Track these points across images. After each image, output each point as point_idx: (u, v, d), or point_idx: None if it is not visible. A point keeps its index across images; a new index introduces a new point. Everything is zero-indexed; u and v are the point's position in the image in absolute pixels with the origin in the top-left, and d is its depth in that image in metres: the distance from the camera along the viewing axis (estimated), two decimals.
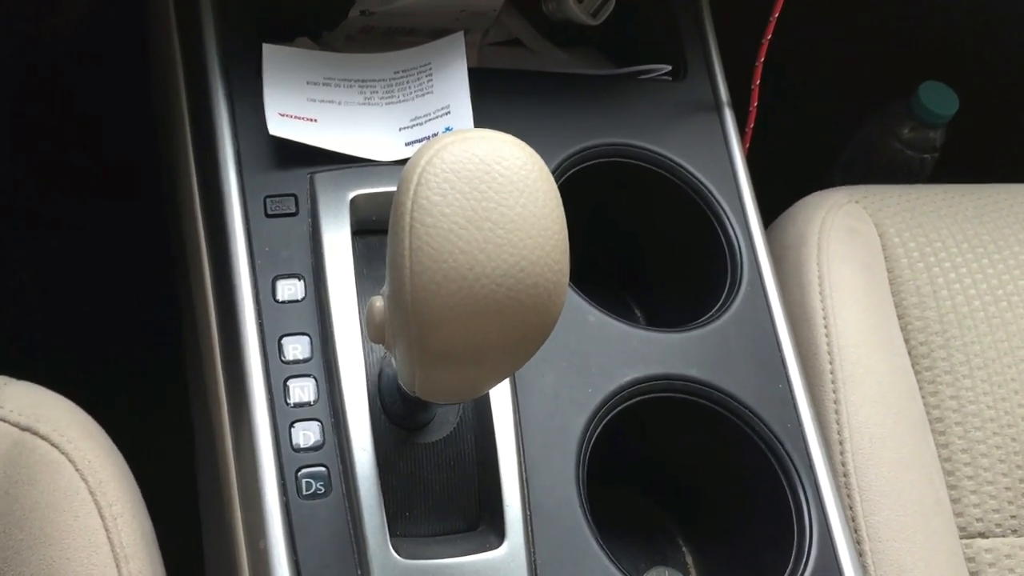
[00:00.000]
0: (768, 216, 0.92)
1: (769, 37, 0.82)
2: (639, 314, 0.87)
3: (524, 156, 0.49)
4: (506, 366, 0.53)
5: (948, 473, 0.82)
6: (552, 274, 0.48)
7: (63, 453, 0.63)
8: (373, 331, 0.54)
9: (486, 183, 0.48)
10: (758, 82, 0.83)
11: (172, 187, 0.86)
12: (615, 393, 0.70)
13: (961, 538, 0.80)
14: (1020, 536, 0.82)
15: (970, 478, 0.82)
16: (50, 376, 0.73)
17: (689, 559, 0.78)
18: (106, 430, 0.69)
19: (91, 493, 0.62)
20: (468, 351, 0.50)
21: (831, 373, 0.80)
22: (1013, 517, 0.82)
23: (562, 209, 0.50)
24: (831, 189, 0.93)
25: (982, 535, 0.81)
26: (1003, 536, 0.81)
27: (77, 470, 0.63)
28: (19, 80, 1.10)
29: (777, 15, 0.81)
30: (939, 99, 1.20)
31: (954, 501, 0.81)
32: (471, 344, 0.49)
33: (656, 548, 0.78)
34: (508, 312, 0.48)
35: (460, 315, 0.48)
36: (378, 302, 0.54)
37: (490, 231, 0.47)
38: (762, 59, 0.83)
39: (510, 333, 0.49)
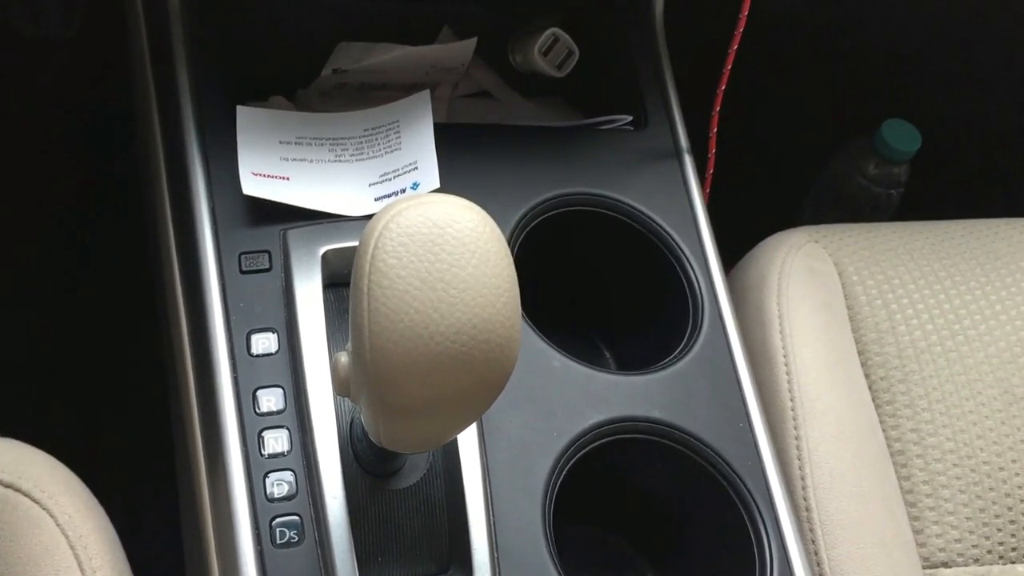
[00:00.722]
0: (737, 257, 0.95)
1: (723, 87, 0.85)
2: (609, 356, 0.89)
3: (476, 219, 0.52)
4: (465, 417, 0.55)
5: (910, 504, 0.84)
6: (504, 330, 0.51)
7: (44, 509, 0.65)
8: (339, 385, 0.57)
9: (439, 246, 0.50)
10: (715, 130, 0.86)
11: (153, 244, 0.88)
12: (580, 436, 0.73)
13: (924, 568, 0.82)
14: (982, 565, 0.84)
15: (932, 509, 0.84)
16: (33, 429, 0.74)
17: None
18: (90, 484, 0.71)
19: (71, 548, 0.64)
20: (427, 405, 0.52)
21: (792, 410, 0.82)
22: (975, 547, 0.84)
23: (512, 268, 0.52)
24: (792, 230, 0.95)
25: (945, 565, 0.83)
26: (965, 565, 0.83)
27: (58, 525, 0.64)
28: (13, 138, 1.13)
29: (730, 67, 0.84)
30: (902, 136, 1.24)
31: (917, 532, 0.83)
32: (429, 398, 0.52)
33: None
34: (463, 367, 0.51)
35: (417, 371, 0.50)
36: (343, 358, 0.56)
37: (443, 291, 0.50)
38: (717, 108, 0.86)
39: (466, 386, 0.52)
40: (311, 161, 0.78)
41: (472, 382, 0.52)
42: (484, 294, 0.50)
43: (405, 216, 0.51)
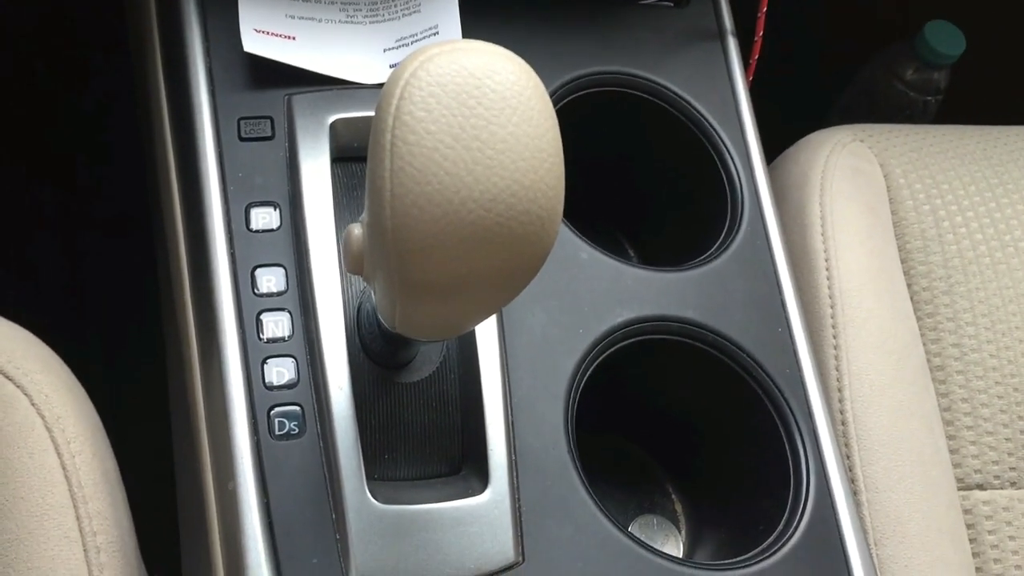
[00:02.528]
0: (770, 154, 0.89)
1: None
2: (632, 253, 0.83)
3: (518, 71, 0.45)
4: (493, 301, 0.49)
5: (948, 423, 0.79)
6: (546, 200, 0.44)
7: (19, 387, 0.59)
8: (350, 261, 0.51)
9: (476, 99, 0.43)
10: (764, 10, 0.79)
11: (144, 112, 0.81)
12: (607, 334, 0.67)
13: (959, 489, 0.78)
14: (1018, 488, 0.79)
15: (970, 428, 0.79)
16: (12, 307, 0.69)
17: (679, 508, 0.75)
18: (75, 367, 0.65)
19: (48, 429, 0.58)
20: (452, 283, 0.46)
21: (832, 318, 0.77)
22: (1012, 469, 0.79)
23: (558, 131, 0.45)
24: (835, 127, 0.89)
25: (980, 487, 0.79)
26: (1001, 488, 0.79)
27: (33, 404, 0.59)
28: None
29: None
30: (945, 39, 1.16)
31: (953, 452, 0.79)
32: (455, 275, 0.45)
33: (645, 496, 0.75)
34: (497, 241, 0.44)
35: (444, 243, 0.44)
36: (356, 230, 0.50)
37: (479, 151, 0.43)
38: None
39: (498, 264, 0.45)
40: (320, 20, 0.71)
41: (506, 259, 0.45)
42: (526, 157, 0.44)
43: (436, 63, 0.44)
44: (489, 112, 0.43)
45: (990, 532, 0.78)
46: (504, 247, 0.45)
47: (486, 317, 0.52)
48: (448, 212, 0.43)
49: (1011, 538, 0.78)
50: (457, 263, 0.45)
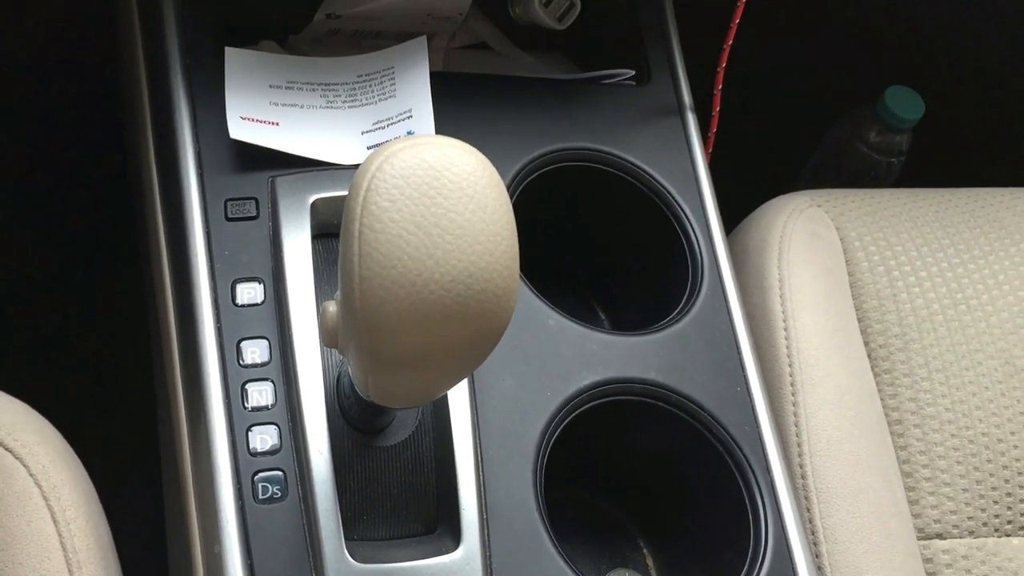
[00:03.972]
0: (734, 219, 0.93)
1: (731, 43, 0.82)
2: (604, 317, 0.87)
3: (474, 162, 0.49)
4: (457, 371, 0.53)
5: (906, 475, 0.82)
6: (501, 279, 0.49)
7: (17, 458, 0.63)
8: (327, 336, 0.55)
9: (435, 189, 0.48)
10: (720, 87, 0.84)
11: (136, 191, 0.86)
12: (574, 396, 0.71)
13: (919, 539, 0.81)
14: (977, 537, 0.82)
15: (928, 479, 0.83)
16: (11, 379, 0.72)
17: (650, 560, 0.78)
18: (67, 436, 0.69)
19: (44, 498, 0.62)
20: (418, 356, 0.50)
21: (790, 376, 0.80)
22: (970, 519, 0.83)
23: (512, 216, 0.50)
24: (794, 193, 0.93)
25: (940, 536, 0.82)
26: (960, 537, 0.82)
27: (31, 475, 0.62)
28: None
29: (738, 20, 0.81)
30: (905, 103, 1.21)
31: (912, 503, 0.82)
32: (421, 349, 0.49)
33: (616, 549, 0.78)
34: (457, 318, 0.48)
35: (409, 321, 0.48)
36: (331, 307, 0.54)
37: (439, 237, 0.47)
38: (724, 64, 0.83)
39: (460, 338, 0.49)
40: (302, 107, 0.76)
41: (466, 334, 0.49)
42: (482, 241, 0.48)
43: (400, 157, 0.48)
44: (448, 201, 0.48)
45: None
46: (464, 323, 0.49)
47: (453, 385, 0.56)
48: (412, 293, 0.48)
49: None
50: (422, 339, 0.49)
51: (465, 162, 0.49)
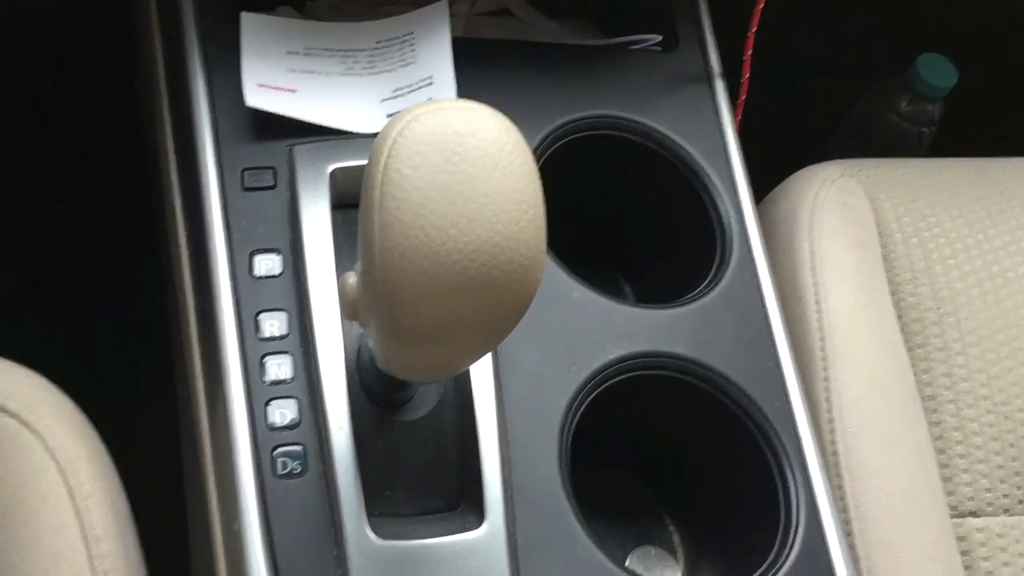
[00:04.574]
0: (762, 190, 0.91)
1: (761, 6, 0.80)
2: (628, 290, 0.85)
3: (499, 128, 0.47)
4: (481, 344, 0.51)
5: (940, 451, 0.81)
6: (527, 250, 0.47)
7: (33, 432, 0.62)
8: (347, 308, 0.53)
9: (459, 155, 0.46)
10: (750, 52, 0.81)
11: (152, 162, 0.84)
12: (600, 371, 0.69)
13: (952, 517, 0.79)
14: (1012, 515, 0.81)
15: (962, 456, 0.81)
16: (29, 353, 0.71)
17: (676, 538, 0.77)
18: (92, 411, 0.68)
19: (61, 473, 0.61)
20: (441, 329, 0.48)
21: (821, 350, 0.78)
22: (1005, 496, 0.81)
23: (539, 184, 0.48)
24: (825, 163, 0.91)
25: (973, 514, 0.80)
26: (994, 515, 0.80)
27: (47, 449, 0.61)
28: (11, 61, 1.09)
29: None
30: (937, 71, 1.18)
31: (946, 480, 0.80)
32: (444, 322, 0.48)
33: (642, 527, 0.77)
34: (482, 289, 0.47)
35: (432, 292, 0.46)
36: (351, 278, 0.52)
37: (463, 205, 0.46)
38: (754, 29, 0.81)
39: (484, 311, 0.48)
40: (320, 73, 0.74)
41: (491, 306, 0.47)
42: (507, 210, 0.46)
43: (422, 122, 0.46)
44: (472, 168, 0.46)
45: (985, 559, 0.79)
46: (489, 295, 0.47)
47: (476, 359, 0.55)
48: (435, 263, 0.46)
49: (1005, 564, 0.79)
50: (445, 311, 0.47)
51: (491, 127, 0.47)
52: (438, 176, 0.46)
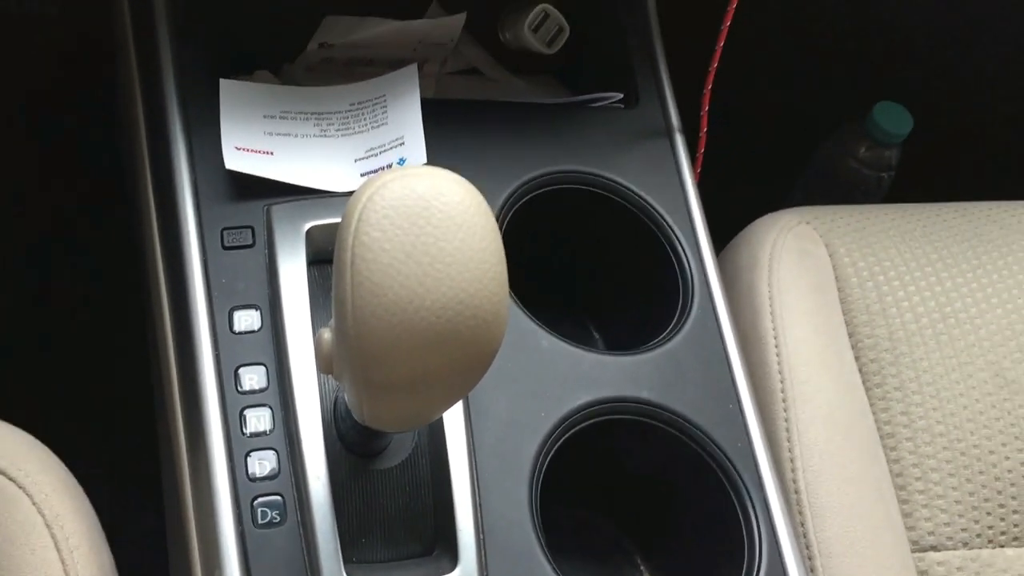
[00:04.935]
0: (728, 236, 0.94)
1: (715, 66, 0.84)
2: (598, 337, 0.88)
3: (463, 192, 0.50)
4: (450, 395, 0.54)
5: (900, 488, 0.83)
6: (491, 305, 0.50)
7: (20, 487, 0.64)
8: (322, 362, 0.56)
9: (425, 219, 0.49)
10: (707, 108, 0.85)
11: (135, 222, 0.87)
12: (568, 416, 0.72)
13: (913, 552, 0.82)
14: (971, 549, 0.83)
15: (921, 492, 0.83)
16: (13, 409, 0.73)
17: None
18: (71, 465, 0.70)
19: (48, 527, 0.63)
20: (411, 381, 0.51)
21: (782, 392, 0.81)
22: (964, 530, 0.83)
23: (500, 243, 0.51)
24: (783, 211, 0.95)
25: (934, 548, 0.83)
26: (954, 549, 0.83)
27: (34, 504, 0.63)
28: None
29: (722, 44, 0.83)
30: (893, 119, 1.23)
31: (906, 515, 0.83)
32: (413, 375, 0.50)
33: (614, 566, 0.79)
34: (448, 343, 0.49)
35: (401, 347, 0.49)
36: (326, 334, 0.55)
37: (429, 265, 0.49)
38: (709, 86, 0.85)
39: (451, 363, 0.50)
40: (296, 136, 0.77)
41: (458, 359, 0.50)
42: (471, 268, 0.49)
43: (390, 188, 0.50)
44: (437, 230, 0.49)
45: None
46: (455, 348, 0.50)
47: (446, 409, 0.57)
48: (403, 320, 0.49)
49: None
50: (414, 364, 0.50)
51: (454, 192, 0.50)
52: (405, 238, 0.49)
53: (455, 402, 0.57)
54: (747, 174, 1.22)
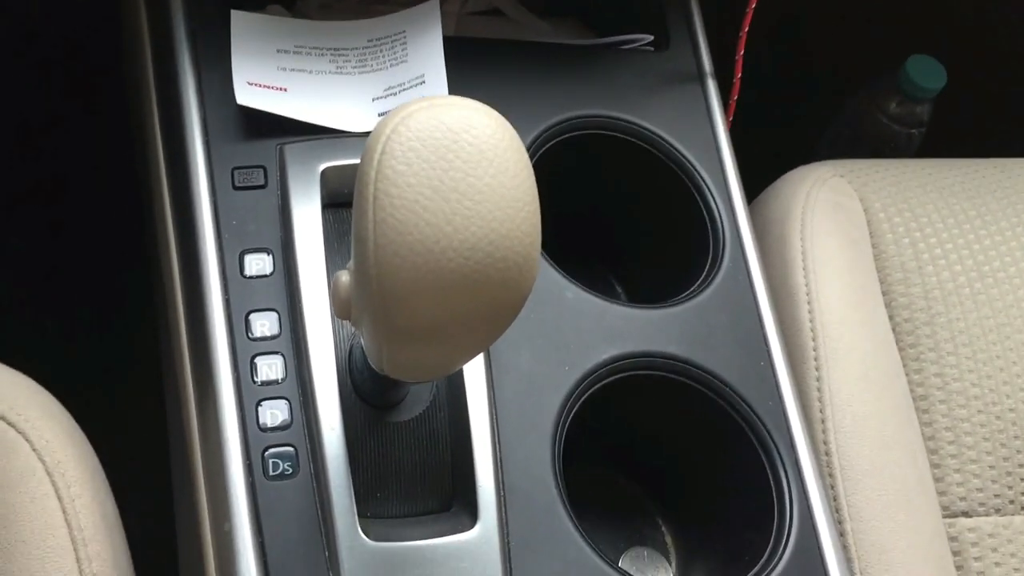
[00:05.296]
0: (754, 190, 0.91)
1: (754, 5, 0.80)
2: (620, 291, 0.85)
3: (494, 125, 0.47)
4: (476, 343, 0.51)
5: (932, 452, 0.81)
6: (523, 248, 0.46)
7: (20, 433, 0.61)
8: (339, 307, 0.53)
9: (453, 152, 0.46)
10: (742, 52, 0.81)
11: (141, 161, 0.84)
12: (592, 371, 0.69)
13: (945, 517, 0.79)
14: (1003, 515, 0.81)
15: (953, 456, 0.81)
16: (17, 354, 0.71)
17: (668, 539, 0.77)
18: (78, 413, 0.67)
19: (48, 474, 0.60)
20: (435, 327, 0.48)
21: (814, 350, 0.78)
22: (996, 496, 0.81)
23: (533, 181, 0.48)
24: (816, 163, 0.91)
25: (965, 514, 0.80)
26: (986, 515, 0.80)
27: (34, 450, 0.61)
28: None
29: None
30: (926, 73, 1.19)
31: (938, 480, 0.80)
32: (438, 320, 0.47)
33: (635, 528, 0.77)
34: (476, 287, 0.46)
35: (426, 290, 0.46)
36: (344, 277, 0.52)
37: (457, 202, 0.45)
38: (746, 29, 0.81)
39: (479, 309, 0.47)
40: (311, 72, 0.73)
41: (486, 304, 0.47)
42: (502, 207, 0.46)
43: (416, 119, 0.46)
44: (467, 165, 0.46)
45: (976, 559, 0.79)
46: (484, 293, 0.47)
47: (470, 359, 0.54)
48: (429, 261, 0.45)
49: (997, 564, 0.79)
50: (439, 309, 0.47)
51: (485, 124, 0.46)
52: (433, 173, 0.45)
53: (480, 351, 0.54)
54: (777, 125, 1.18)
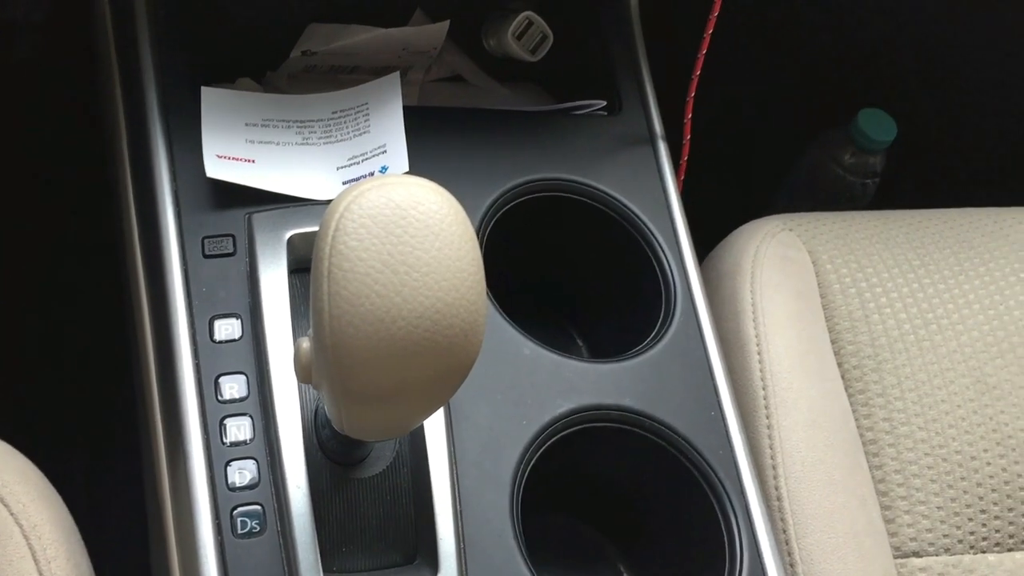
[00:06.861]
0: (712, 243, 0.95)
1: (698, 73, 0.84)
2: (582, 345, 0.88)
3: (440, 201, 0.50)
4: (429, 404, 0.54)
5: (882, 494, 0.83)
6: (468, 315, 0.50)
7: None
8: (301, 372, 0.56)
9: (402, 228, 0.49)
10: (690, 116, 0.85)
11: (116, 228, 0.87)
12: (549, 424, 0.72)
13: (896, 557, 0.82)
14: (952, 555, 0.83)
15: (903, 498, 0.84)
16: None
17: None
18: (53, 475, 0.69)
19: (25, 537, 0.62)
20: (389, 391, 0.51)
21: (764, 399, 0.81)
22: (946, 536, 0.84)
23: (478, 252, 0.51)
24: (766, 218, 0.95)
25: (916, 554, 0.83)
26: (936, 555, 0.83)
27: (11, 514, 0.63)
28: None
29: (705, 51, 0.83)
30: (878, 125, 1.23)
31: (888, 522, 0.83)
32: (391, 384, 0.50)
33: (596, 574, 0.79)
34: (426, 353, 0.49)
35: (379, 356, 0.49)
36: (305, 343, 0.55)
37: (406, 275, 0.49)
38: (692, 93, 0.85)
39: (429, 373, 0.50)
40: (278, 144, 0.77)
41: (435, 368, 0.50)
42: (448, 278, 0.49)
43: (367, 197, 0.49)
44: (414, 239, 0.49)
45: None
46: (433, 357, 0.50)
47: (425, 418, 0.57)
48: (380, 330, 0.49)
49: None
50: (392, 374, 0.50)
51: (431, 200, 0.50)
52: (383, 247, 0.49)
53: (433, 411, 0.57)
54: (731, 181, 1.22)
